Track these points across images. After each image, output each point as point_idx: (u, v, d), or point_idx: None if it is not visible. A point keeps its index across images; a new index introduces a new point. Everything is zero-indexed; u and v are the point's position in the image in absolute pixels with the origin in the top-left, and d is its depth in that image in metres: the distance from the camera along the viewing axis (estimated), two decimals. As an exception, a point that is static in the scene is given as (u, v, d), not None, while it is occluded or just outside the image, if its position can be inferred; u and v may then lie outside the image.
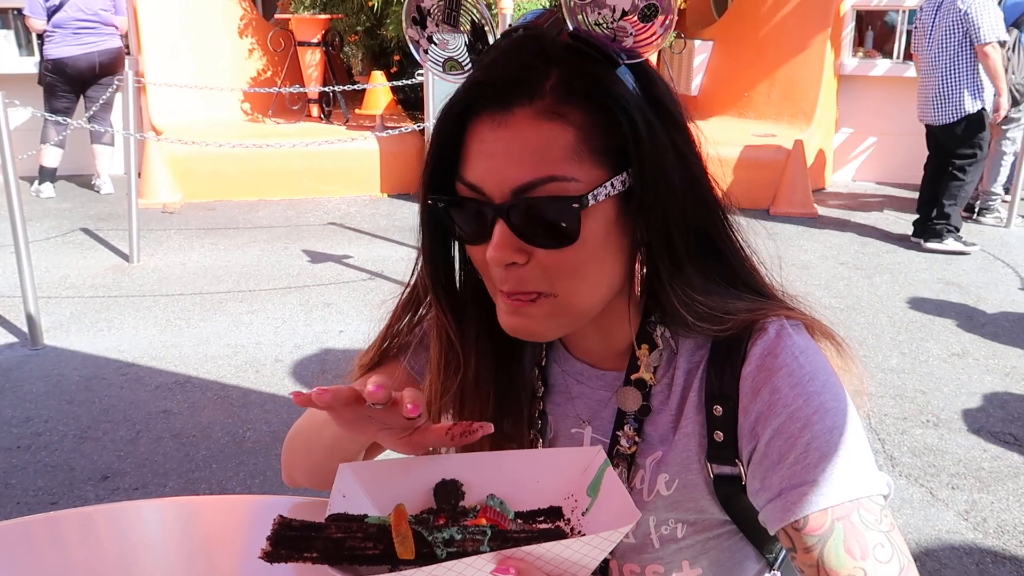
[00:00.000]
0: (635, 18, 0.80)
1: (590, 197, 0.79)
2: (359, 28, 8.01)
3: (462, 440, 0.80)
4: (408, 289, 1.02)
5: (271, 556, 0.68)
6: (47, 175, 6.96)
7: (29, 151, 6.09)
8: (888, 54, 7.86)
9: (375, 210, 6.78)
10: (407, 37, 0.92)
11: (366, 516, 0.72)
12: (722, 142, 6.94)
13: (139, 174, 5.97)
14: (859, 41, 8.06)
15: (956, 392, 3.69)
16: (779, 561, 1.02)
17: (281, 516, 0.68)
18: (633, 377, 0.92)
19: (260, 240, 5.92)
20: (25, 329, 4.14)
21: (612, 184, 0.81)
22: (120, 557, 1.08)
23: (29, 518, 1.18)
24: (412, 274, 0.99)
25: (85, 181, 7.35)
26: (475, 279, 0.93)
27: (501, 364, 0.97)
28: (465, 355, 0.93)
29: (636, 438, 0.93)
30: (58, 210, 6.58)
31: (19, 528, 1.15)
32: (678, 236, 0.85)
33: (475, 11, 0.88)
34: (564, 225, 0.80)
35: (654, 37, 0.81)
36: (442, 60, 0.91)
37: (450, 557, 0.67)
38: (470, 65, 0.90)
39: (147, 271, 5.22)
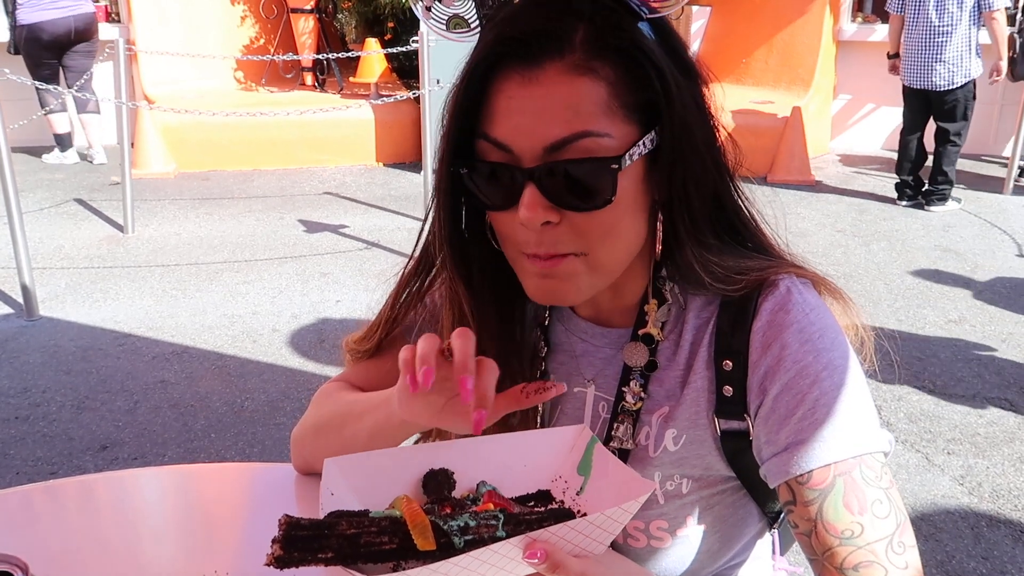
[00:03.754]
0: None
1: (627, 157, 0.79)
2: (352, -6, 7.90)
3: (537, 399, 0.80)
4: (412, 262, 1.00)
5: (282, 561, 0.63)
6: (65, 141, 6.94)
7: (19, 121, 6.03)
8: (887, 19, 7.78)
9: (371, 179, 6.74)
10: None
11: (368, 511, 0.69)
12: (719, 109, 6.88)
13: (132, 144, 5.91)
14: (858, 6, 7.97)
15: (953, 358, 3.70)
16: (779, 520, 1.03)
17: (288, 515, 0.64)
18: (641, 332, 0.92)
19: (255, 210, 5.88)
20: (20, 300, 4.12)
21: (644, 143, 0.80)
22: (119, 525, 1.08)
23: (29, 486, 1.18)
24: (415, 247, 0.98)
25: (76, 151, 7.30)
26: (480, 249, 0.91)
27: (504, 331, 0.96)
28: (477, 325, 0.92)
29: (641, 394, 0.92)
30: (51, 181, 6.54)
31: (18, 496, 1.15)
32: (696, 195, 0.84)
33: None
34: (601, 187, 0.79)
35: None
36: (446, 18, 0.89)
37: (468, 545, 0.65)
38: (477, 23, 0.87)
39: (142, 241, 5.19)
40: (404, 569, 0.64)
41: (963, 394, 3.39)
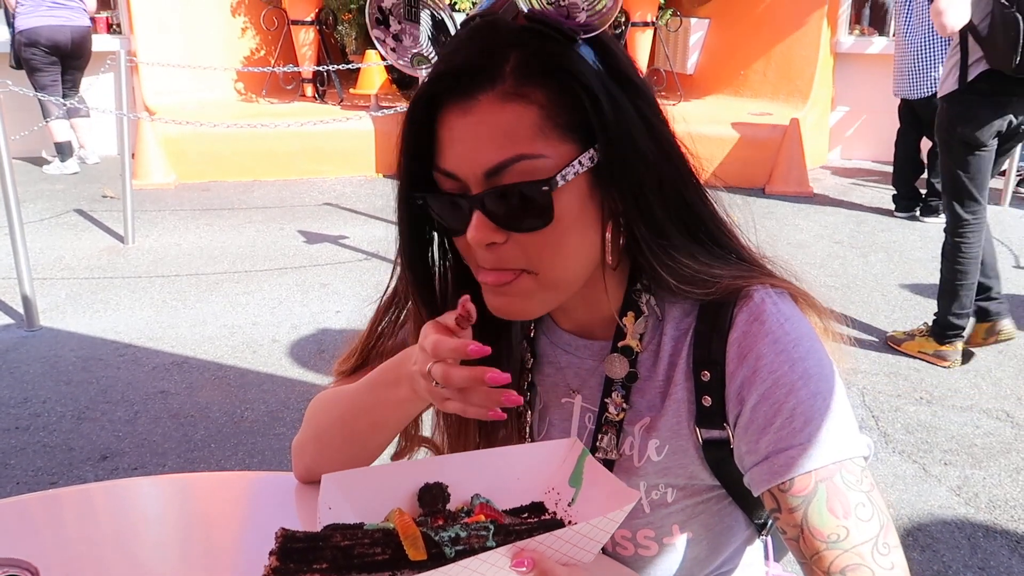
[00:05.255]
0: None
1: (559, 178, 0.81)
2: (352, 6, 7.94)
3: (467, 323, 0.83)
4: (389, 290, 1.04)
5: (279, 572, 0.65)
6: (65, 150, 7.01)
7: (20, 132, 6.05)
8: (885, 31, 7.83)
9: (370, 190, 6.76)
10: (373, 37, 0.93)
11: (363, 524, 0.70)
12: (718, 120, 6.96)
13: (132, 155, 5.94)
14: (856, 18, 8.03)
15: (950, 370, 3.71)
16: (768, 527, 1.04)
17: (284, 528, 0.66)
18: (620, 344, 0.94)
19: (255, 221, 5.90)
20: (21, 311, 4.13)
21: (580, 162, 0.82)
22: (118, 534, 1.09)
23: (27, 496, 1.18)
24: (391, 276, 1.01)
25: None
26: (457, 269, 0.95)
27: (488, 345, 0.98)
28: None
29: (624, 405, 0.94)
30: (51, 191, 6.56)
31: (17, 506, 1.16)
32: (656, 202, 0.86)
33: (433, 4, 0.89)
34: (537, 208, 0.82)
35: (604, 11, 0.82)
36: (409, 56, 0.92)
37: (458, 555, 0.67)
38: (435, 57, 0.91)
39: (142, 252, 5.21)
40: None
41: (960, 405, 3.40)
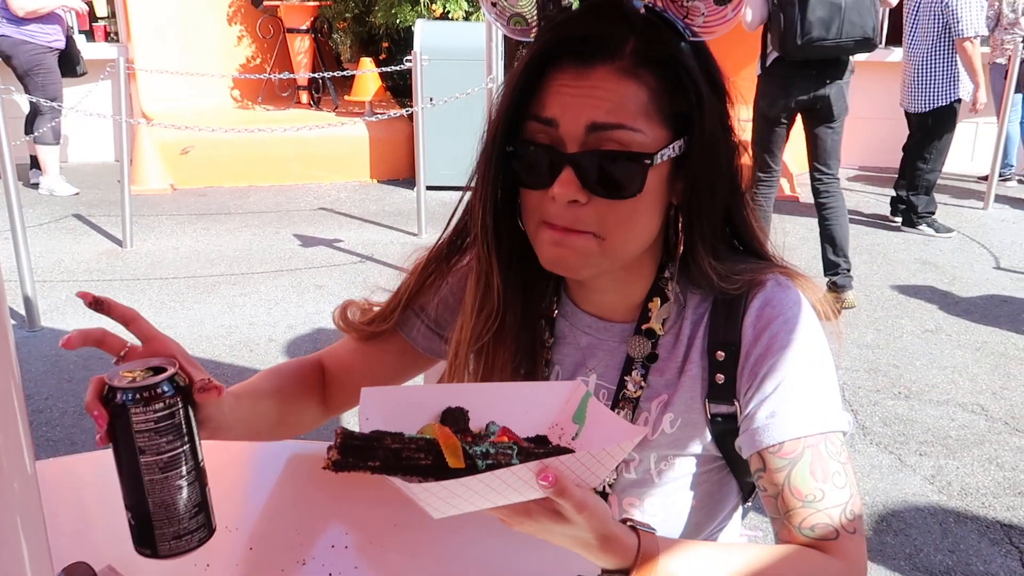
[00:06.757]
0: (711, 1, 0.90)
1: (658, 156, 0.89)
2: (348, 15, 8.06)
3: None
4: (445, 237, 1.09)
5: (339, 464, 0.71)
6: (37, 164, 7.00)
7: (17, 140, 6.12)
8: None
9: (364, 195, 6.86)
10: None
11: (403, 433, 0.76)
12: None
13: (130, 160, 6.02)
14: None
15: (928, 366, 3.82)
16: (753, 494, 1.14)
17: (342, 428, 0.73)
18: (644, 327, 1.02)
19: (251, 225, 5.99)
20: (23, 312, 4.21)
21: (673, 147, 0.91)
22: (105, 502, 1.12)
23: (46, 461, 1.22)
24: (446, 228, 1.07)
25: (74, 168, 7.41)
26: (512, 229, 1.00)
27: (527, 313, 1.06)
28: (502, 302, 1.02)
29: (642, 383, 1.02)
30: (50, 196, 6.64)
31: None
32: (711, 202, 0.95)
33: None
34: (631, 179, 0.89)
35: (723, 20, 0.91)
36: (508, 15, 1.00)
37: (488, 468, 0.74)
38: (536, 22, 0.99)
39: (140, 255, 5.30)
40: (430, 482, 0.73)
41: (937, 399, 3.51)
